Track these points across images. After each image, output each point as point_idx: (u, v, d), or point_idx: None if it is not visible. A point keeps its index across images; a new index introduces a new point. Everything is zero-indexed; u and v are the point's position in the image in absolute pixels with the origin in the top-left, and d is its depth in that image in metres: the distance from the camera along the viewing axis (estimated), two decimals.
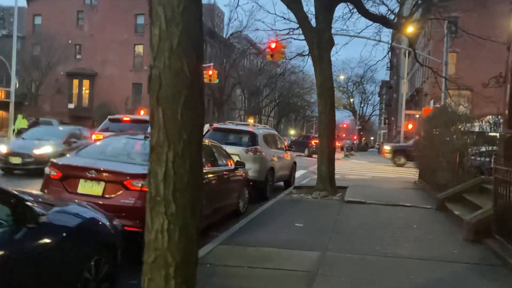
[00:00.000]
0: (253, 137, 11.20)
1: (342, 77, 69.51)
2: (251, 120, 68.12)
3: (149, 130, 9.33)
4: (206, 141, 8.13)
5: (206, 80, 32.51)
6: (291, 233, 7.17)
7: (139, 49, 45.50)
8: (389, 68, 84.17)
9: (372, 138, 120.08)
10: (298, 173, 19.32)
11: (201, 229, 7.05)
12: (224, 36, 47.35)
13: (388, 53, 16.38)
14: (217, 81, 33.44)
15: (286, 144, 14.66)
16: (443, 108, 13.13)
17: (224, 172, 7.87)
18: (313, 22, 11.85)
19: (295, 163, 14.25)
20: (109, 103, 41.73)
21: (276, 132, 13.43)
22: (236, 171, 8.55)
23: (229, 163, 8.51)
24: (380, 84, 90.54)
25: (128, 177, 5.51)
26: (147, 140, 7.01)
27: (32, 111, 41.88)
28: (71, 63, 45.22)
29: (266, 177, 11.16)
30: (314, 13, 11.73)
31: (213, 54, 47.56)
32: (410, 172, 20.73)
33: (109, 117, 12.55)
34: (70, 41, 44.61)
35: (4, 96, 24.35)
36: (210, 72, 32.06)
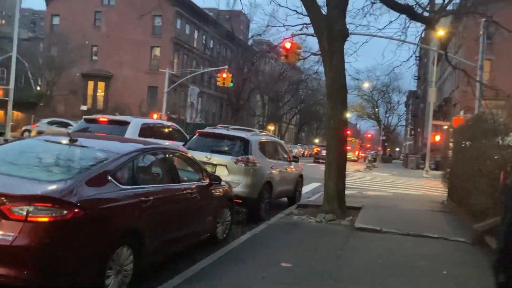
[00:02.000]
0: (245, 145, 9.25)
1: (366, 85, 66.92)
2: (271, 127, 66.18)
3: (127, 133, 7.30)
4: (168, 151, 6.25)
5: (219, 84, 30.89)
6: (271, 280, 5.19)
7: (156, 51, 44.30)
8: (416, 77, 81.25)
9: (397, 149, 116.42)
10: (310, 186, 17.35)
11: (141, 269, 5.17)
12: (244, 40, 45.58)
13: (414, 52, 14.28)
14: (231, 84, 31.69)
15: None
16: (482, 117, 10.92)
17: (189, 190, 5.96)
18: (324, 11, 9.91)
19: (301, 176, 12.23)
20: (123, 106, 40.53)
21: (278, 140, 11.43)
22: (211, 188, 6.63)
23: (205, 178, 6.60)
24: (406, 94, 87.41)
25: (7, 200, 3.65)
26: (73, 144, 5.20)
27: (47, 112, 41.06)
28: (87, 64, 44.31)
29: (260, 194, 9.21)
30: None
31: (232, 57, 45.95)
32: (435, 188, 18.44)
33: (84, 117, 10.86)
34: (86, 42, 43.73)
35: (6, 95, 23.13)
36: (224, 75, 30.38)
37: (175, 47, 44.38)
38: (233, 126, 11.09)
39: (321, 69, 62.83)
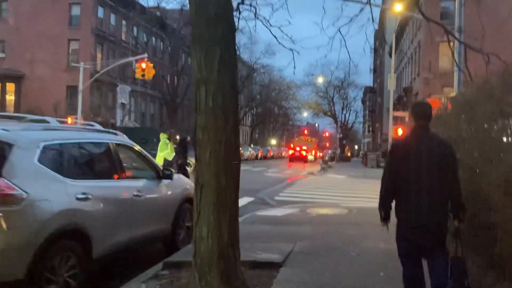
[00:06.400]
0: None
1: (321, 80, 62.66)
2: None
3: None
4: None
5: (138, 76, 25.39)
6: None
7: (75, 45, 38.06)
8: (372, 70, 78.11)
9: (356, 147, 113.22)
10: (241, 202, 12.09)
11: None
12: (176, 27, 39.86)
13: (367, 2, 9.40)
14: (152, 75, 26.09)
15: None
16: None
17: None
18: None
19: (188, 201, 6.94)
20: (38, 110, 34.13)
21: (120, 138, 5.88)
22: None
23: None
24: (363, 90, 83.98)
25: None
26: None
27: None
28: None
29: (34, 267, 3.89)
30: None
31: (165, 48, 40.20)
32: None
33: None
34: None
35: None
36: (144, 65, 24.83)
37: (98, 39, 38.29)
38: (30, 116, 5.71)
39: (269, 61, 57.58)
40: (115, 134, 5.83)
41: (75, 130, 5.12)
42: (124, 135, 6.04)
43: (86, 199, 4.62)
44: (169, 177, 6.32)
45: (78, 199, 4.52)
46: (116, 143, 5.55)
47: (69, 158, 4.71)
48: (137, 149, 6.01)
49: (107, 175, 5.24)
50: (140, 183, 5.81)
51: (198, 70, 4.32)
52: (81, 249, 4.51)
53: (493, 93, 5.45)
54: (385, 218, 3.85)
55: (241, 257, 5.27)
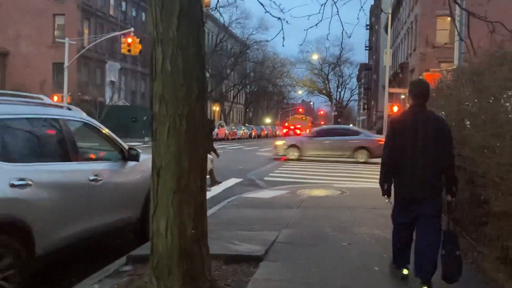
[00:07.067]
0: None
1: (315, 57, 61.53)
2: (216, 108, 59.89)
3: None
4: None
5: (124, 51, 24.33)
6: None
7: (60, 20, 36.70)
8: (367, 48, 76.94)
9: (351, 125, 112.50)
10: (221, 187, 11.55)
11: None
12: None
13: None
14: (139, 51, 25.01)
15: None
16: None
17: None
18: None
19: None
20: (24, 88, 33.06)
21: (78, 114, 5.00)
22: None
23: None
24: (358, 67, 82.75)
25: None
26: None
27: None
28: None
29: None
30: None
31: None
32: None
33: None
34: None
35: None
36: (130, 40, 23.76)
37: (84, 14, 36.93)
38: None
39: (263, 36, 55.90)
40: (69, 109, 5.03)
41: (14, 104, 4.30)
42: (81, 111, 5.23)
43: (25, 185, 3.85)
44: (136, 158, 5.54)
45: (13, 186, 3.75)
46: (68, 120, 4.74)
47: (3, 137, 3.91)
48: (96, 126, 5.21)
49: (56, 157, 4.46)
50: (99, 165, 5.04)
51: (153, 26, 3.51)
52: (19, 245, 3.76)
53: (506, 59, 4.69)
54: (387, 191, 4.03)
55: (217, 248, 4.61)
